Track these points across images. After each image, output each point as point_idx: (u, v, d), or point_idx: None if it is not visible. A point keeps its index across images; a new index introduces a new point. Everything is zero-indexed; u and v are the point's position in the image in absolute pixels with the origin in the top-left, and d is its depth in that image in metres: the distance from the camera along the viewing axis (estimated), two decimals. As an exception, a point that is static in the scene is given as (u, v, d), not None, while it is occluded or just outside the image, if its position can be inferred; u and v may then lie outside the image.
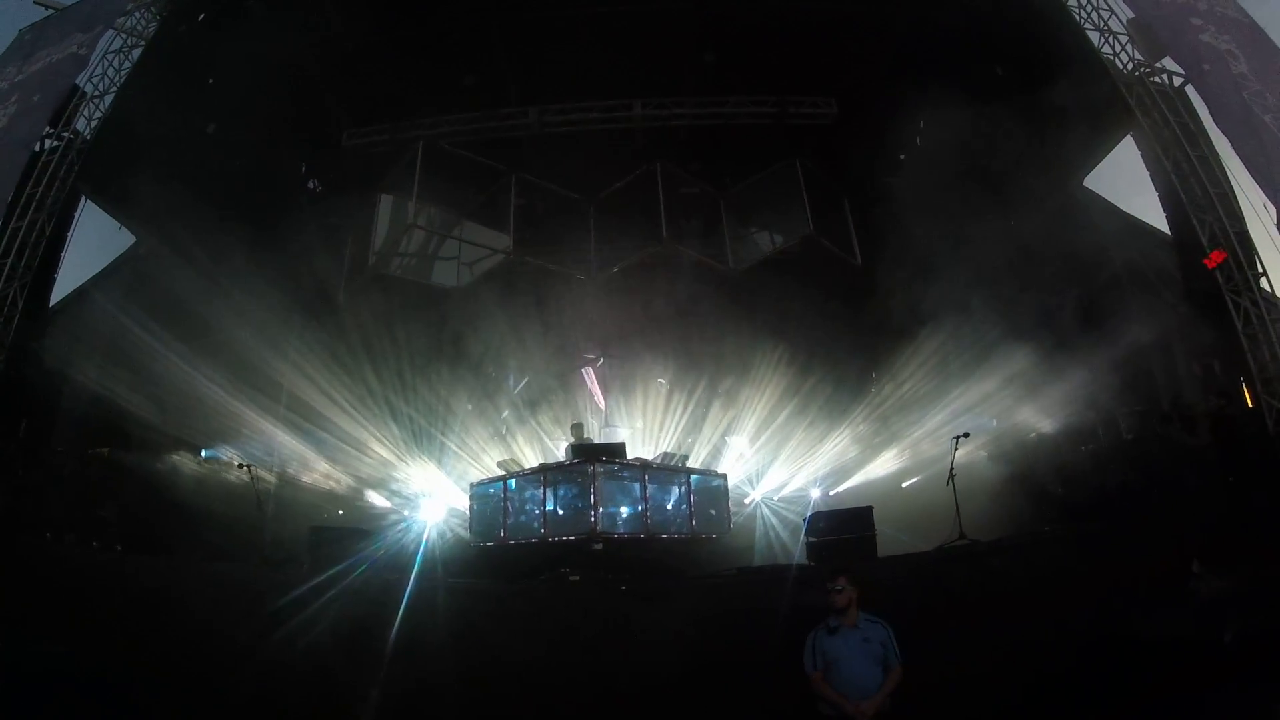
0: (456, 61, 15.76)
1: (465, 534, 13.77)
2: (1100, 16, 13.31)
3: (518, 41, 15.38)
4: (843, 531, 10.32)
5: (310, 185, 18.50)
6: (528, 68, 15.84)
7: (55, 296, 13.48)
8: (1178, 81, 12.54)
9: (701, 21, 15.11)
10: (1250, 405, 10.86)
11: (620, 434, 16.39)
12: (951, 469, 10.67)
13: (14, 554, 9.69)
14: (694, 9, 14.84)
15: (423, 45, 15.41)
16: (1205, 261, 11.34)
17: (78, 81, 13.75)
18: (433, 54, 15.59)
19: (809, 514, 11.96)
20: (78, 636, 8.21)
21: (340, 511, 15.34)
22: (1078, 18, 13.40)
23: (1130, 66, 12.91)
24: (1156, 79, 12.67)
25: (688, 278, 16.23)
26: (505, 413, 17.65)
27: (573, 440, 14.44)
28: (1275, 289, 11.21)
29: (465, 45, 15.44)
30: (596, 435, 16.08)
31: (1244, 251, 11.21)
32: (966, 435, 11.17)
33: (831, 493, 15.32)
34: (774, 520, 14.69)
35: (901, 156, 17.93)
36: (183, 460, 14.11)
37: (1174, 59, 12.51)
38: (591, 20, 14.75)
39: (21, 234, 12.35)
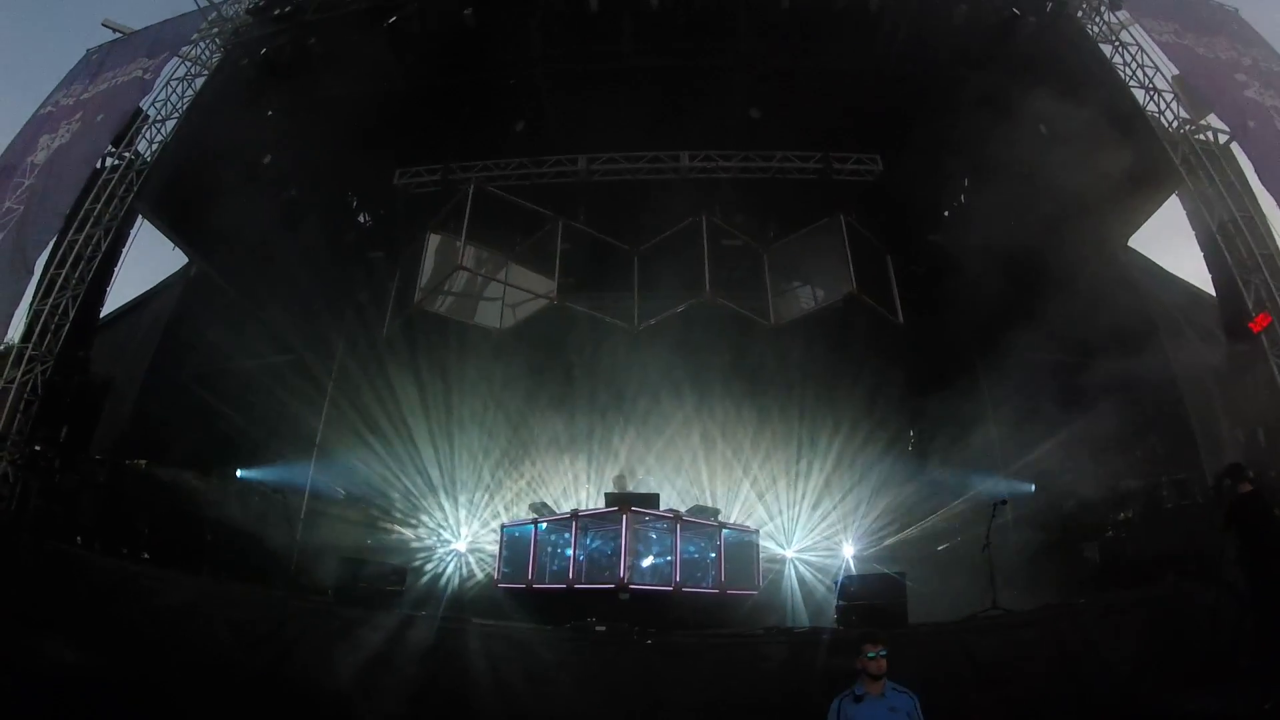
0: (507, 108, 16.00)
1: (493, 574, 13.74)
2: (1145, 74, 13.17)
3: (567, 92, 15.62)
4: (874, 596, 10.04)
5: (360, 219, 18.79)
6: (577, 117, 15.97)
7: (107, 309, 13.75)
8: (1223, 139, 12.30)
9: (748, 78, 15.33)
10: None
11: (652, 484, 16.28)
12: (988, 536, 10.42)
13: (42, 557, 9.78)
14: (741, 66, 15.03)
15: (474, 92, 15.70)
16: (1250, 325, 10.95)
17: (141, 105, 14.12)
18: (484, 100, 15.87)
19: (840, 577, 11.72)
20: (96, 644, 8.24)
21: (368, 541, 15.34)
22: (1123, 75, 13.29)
23: (1175, 124, 12.72)
24: (1202, 136, 12.42)
25: (728, 330, 16.21)
26: (531, 451, 17.61)
27: (613, 489, 14.36)
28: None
29: (515, 94, 15.73)
30: (631, 484, 15.98)
31: (1290, 315, 10.78)
32: (1005, 501, 10.96)
33: (865, 553, 15.07)
34: (798, 581, 14.49)
35: (945, 214, 17.92)
36: (217, 480, 14.19)
37: (1219, 115, 12.32)
38: (639, 74, 15.00)
39: (78, 247, 12.64)
